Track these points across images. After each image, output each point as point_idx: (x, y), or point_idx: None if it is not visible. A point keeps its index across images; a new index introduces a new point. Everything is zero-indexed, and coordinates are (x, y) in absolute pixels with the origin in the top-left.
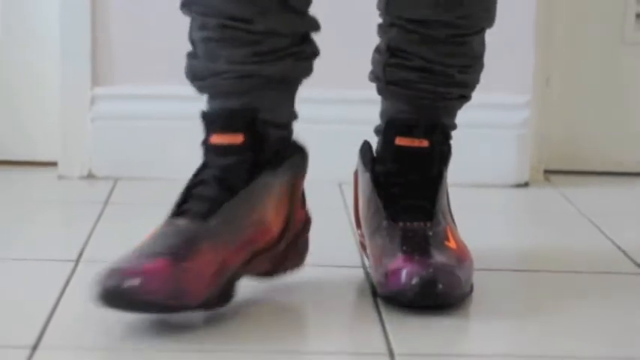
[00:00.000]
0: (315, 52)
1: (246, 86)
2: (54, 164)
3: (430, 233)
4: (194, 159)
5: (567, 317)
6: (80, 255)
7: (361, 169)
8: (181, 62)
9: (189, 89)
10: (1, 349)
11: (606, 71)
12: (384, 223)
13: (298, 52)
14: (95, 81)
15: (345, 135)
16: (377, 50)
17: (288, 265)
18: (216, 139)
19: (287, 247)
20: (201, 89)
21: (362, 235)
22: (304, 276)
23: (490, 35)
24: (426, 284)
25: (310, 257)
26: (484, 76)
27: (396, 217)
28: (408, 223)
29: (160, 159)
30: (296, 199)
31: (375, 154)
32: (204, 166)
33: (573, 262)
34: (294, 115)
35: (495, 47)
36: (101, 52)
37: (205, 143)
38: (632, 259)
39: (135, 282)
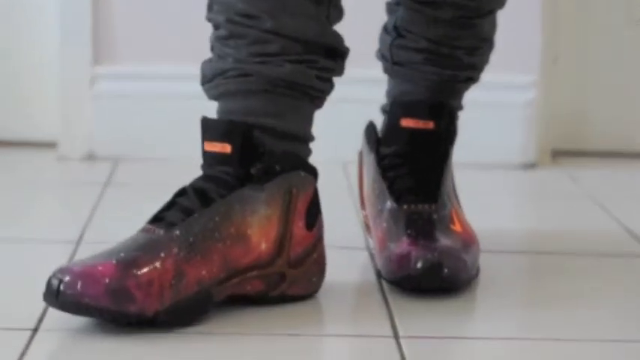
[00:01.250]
0: (337, 71)
1: (248, 86)
2: (54, 145)
3: (435, 216)
4: (196, 139)
5: (574, 300)
6: (81, 236)
7: (366, 149)
8: (183, 41)
9: (191, 68)
10: (1, 331)
11: (614, 49)
12: (389, 205)
13: (314, 61)
14: (96, 60)
15: (349, 114)
16: (384, 29)
17: (291, 289)
18: (208, 146)
19: (288, 270)
20: (208, 92)
21: (366, 217)
22: None
23: (498, 15)
24: (432, 268)
25: None
26: (491, 56)
27: (400, 200)
28: (413, 206)
29: (161, 139)
30: (292, 218)
31: (379, 135)
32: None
33: (580, 245)
34: (307, 131)
35: (501, 25)
36: (102, 31)
37: (202, 150)
38: None
39: (73, 283)
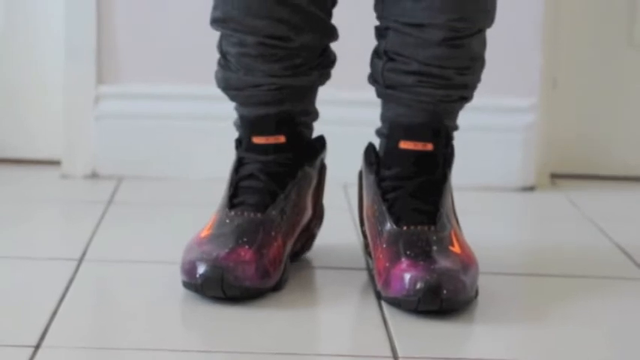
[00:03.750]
0: (334, 60)
1: (283, 96)
2: (57, 163)
3: (434, 238)
4: (198, 158)
5: (573, 323)
6: (83, 254)
7: (366, 171)
8: (187, 61)
9: (194, 88)
10: (3, 347)
11: (614, 73)
12: (388, 226)
13: (322, 62)
14: (100, 79)
15: (348, 136)
16: (375, 53)
17: (311, 244)
18: (260, 140)
19: (315, 230)
20: (235, 98)
21: (366, 237)
22: (308, 277)
23: (495, 36)
24: (431, 289)
25: (314, 259)
26: (490, 79)
27: (400, 221)
28: (412, 227)
29: (164, 158)
30: (323, 186)
31: (378, 157)
32: (241, 163)
33: (578, 268)
34: (317, 115)
35: (501, 48)
36: (106, 50)
37: (246, 143)
38: (639, 266)
39: (233, 269)
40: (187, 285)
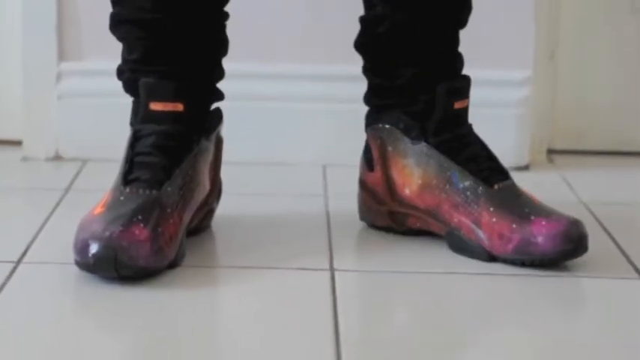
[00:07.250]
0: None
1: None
2: (19, 143)
3: (520, 191)
4: None
5: (566, 325)
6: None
7: (405, 140)
8: None
9: None
10: None
11: (616, 42)
12: (481, 189)
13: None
14: (62, 55)
15: (327, 113)
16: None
17: (210, 219)
18: (156, 106)
19: (215, 204)
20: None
21: (401, 205)
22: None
23: (487, 4)
24: (582, 238)
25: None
26: (479, 50)
27: (489, 181)
28: (501, 184)
29: None
30: (220, 160)
31: (419, 123)
32: (136, 137)
33: (569, 264)
34: (220, 94)
35: (492, 17)
36: (68, 24)
37: (142, 112)
38: (633, 264)
39: (127, 249)
40: (80, 264)
